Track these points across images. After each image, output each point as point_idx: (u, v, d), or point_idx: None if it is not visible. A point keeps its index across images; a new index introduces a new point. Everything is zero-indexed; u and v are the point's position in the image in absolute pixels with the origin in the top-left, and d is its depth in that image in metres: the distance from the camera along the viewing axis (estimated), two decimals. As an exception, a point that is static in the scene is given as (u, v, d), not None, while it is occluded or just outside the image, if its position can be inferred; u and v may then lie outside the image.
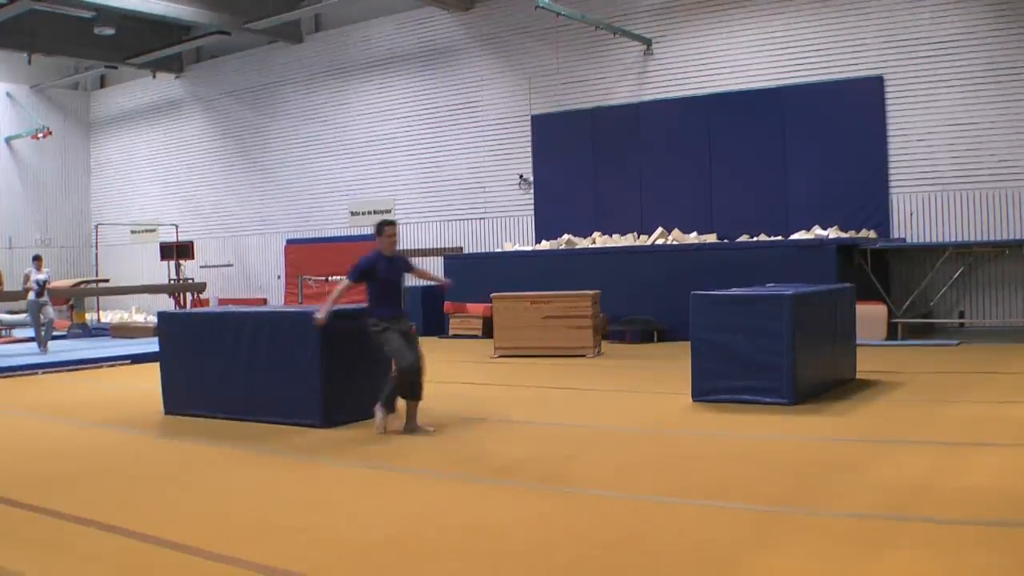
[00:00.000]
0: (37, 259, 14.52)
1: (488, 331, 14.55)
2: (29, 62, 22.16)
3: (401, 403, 7.06)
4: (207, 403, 8.05)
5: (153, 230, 23.75)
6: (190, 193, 23.34)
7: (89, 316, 19.73)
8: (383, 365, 7.74)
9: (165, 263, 20.81)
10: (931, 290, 13.67)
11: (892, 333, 12.76)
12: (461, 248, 18.57)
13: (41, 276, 14.14)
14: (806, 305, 7.91)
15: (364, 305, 7.36)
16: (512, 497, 5.08)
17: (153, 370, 9.31)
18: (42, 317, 13.91)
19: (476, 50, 18.30)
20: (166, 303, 19.32)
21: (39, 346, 13.78)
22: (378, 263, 7.17)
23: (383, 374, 7.54)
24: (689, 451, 6.19)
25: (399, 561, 4.04)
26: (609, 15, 16.25)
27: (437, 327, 16.43)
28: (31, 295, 13.98)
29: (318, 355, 7.40)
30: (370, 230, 21.39)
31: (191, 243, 20.72)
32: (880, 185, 14.37)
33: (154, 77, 23.41)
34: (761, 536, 4.18)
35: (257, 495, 5.35)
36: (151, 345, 13.04)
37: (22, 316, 18.10)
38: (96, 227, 23.70)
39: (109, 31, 19.41)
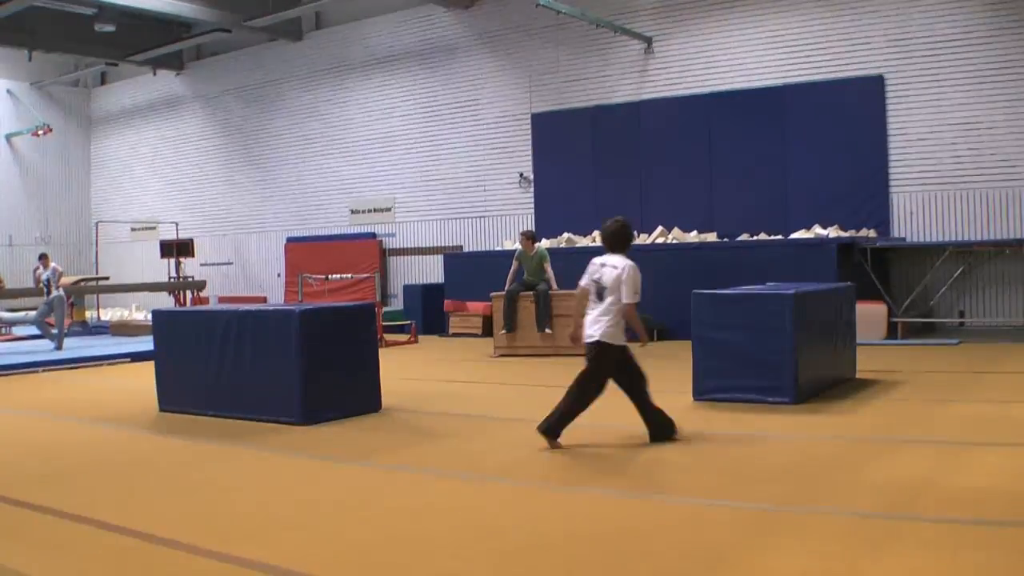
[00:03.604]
0: (43, 257, 14.45)
1: (488, 330, 14.54)
2: (29, 59, 22.16)
3: None
4: (197, 400, 8.09)
5: (153, 228, 23.75)
6: (190, 191, 23.34)
7: (89, 314, 19.74)
8: (366, 363, 7.82)
9: (165, 261, 20.80)
10: (931, 289, 13.66)
11: (892, 332, 12.75)
12: (461, 247, 18.56)
13: (45, 273, 14.11)
14: (808, 304, 7.90)
15: (360, 302, 7.42)
16: (512, 497, 5.08)
17: (152, 368, 9.32)
18: (43, 311, 14.10)
19: (476, 48, 18.29)
20: (166, 301, 19.31)
21: (55, 344, 13.94)
22: None
23: (364, 373, 7.77)
24: (689, 450, 6.18)
25: (399, 560, 4.03)
26: (610, 13, 16.24)
27: (437, 326, 16.43)
28: (54, 293, 14.00)
29: (298, 353, 7.41)
30: (370, 228, 21.41)
31: (191, 241, 20.71)
32: (880, 184, 14.36)
33: (154, 74, 23.42)
34: (761, 536, 4.18)
35: (254, 493, 5.34)
36: (150, 343, 13.04)
37: (20, 315, 18.09)
38: (96, 224, 23.70)
39: (109, 28, 19.44)
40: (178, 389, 8.28)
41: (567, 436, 6.29)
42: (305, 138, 20.98)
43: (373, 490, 5.36)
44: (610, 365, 6.30)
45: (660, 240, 15.13)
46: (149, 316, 19.18)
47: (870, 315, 12.26)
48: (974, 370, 9.71)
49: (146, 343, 13.80)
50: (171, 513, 4.88)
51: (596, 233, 16.22)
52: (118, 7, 18.12)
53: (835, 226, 14.12)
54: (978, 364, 10.09)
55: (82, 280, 19.99)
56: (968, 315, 13.79)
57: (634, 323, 6.39)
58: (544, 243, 16.47)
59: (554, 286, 12.53)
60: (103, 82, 25.61)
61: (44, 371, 11.79)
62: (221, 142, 22.69)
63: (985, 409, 7.32)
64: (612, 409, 8.06)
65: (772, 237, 14.59)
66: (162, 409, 8.33)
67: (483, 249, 17.97)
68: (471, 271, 16.15)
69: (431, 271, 18.81)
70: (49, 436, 7.49)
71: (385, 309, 16.85)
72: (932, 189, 14.02)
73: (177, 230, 22.37)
